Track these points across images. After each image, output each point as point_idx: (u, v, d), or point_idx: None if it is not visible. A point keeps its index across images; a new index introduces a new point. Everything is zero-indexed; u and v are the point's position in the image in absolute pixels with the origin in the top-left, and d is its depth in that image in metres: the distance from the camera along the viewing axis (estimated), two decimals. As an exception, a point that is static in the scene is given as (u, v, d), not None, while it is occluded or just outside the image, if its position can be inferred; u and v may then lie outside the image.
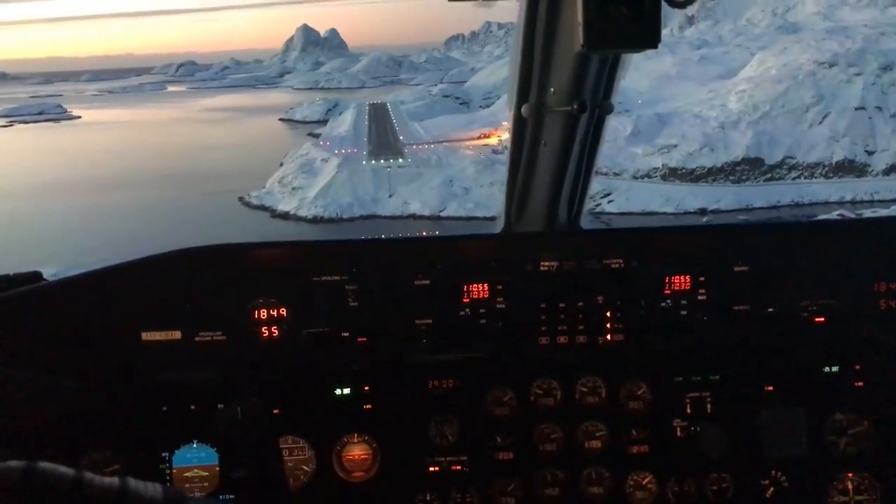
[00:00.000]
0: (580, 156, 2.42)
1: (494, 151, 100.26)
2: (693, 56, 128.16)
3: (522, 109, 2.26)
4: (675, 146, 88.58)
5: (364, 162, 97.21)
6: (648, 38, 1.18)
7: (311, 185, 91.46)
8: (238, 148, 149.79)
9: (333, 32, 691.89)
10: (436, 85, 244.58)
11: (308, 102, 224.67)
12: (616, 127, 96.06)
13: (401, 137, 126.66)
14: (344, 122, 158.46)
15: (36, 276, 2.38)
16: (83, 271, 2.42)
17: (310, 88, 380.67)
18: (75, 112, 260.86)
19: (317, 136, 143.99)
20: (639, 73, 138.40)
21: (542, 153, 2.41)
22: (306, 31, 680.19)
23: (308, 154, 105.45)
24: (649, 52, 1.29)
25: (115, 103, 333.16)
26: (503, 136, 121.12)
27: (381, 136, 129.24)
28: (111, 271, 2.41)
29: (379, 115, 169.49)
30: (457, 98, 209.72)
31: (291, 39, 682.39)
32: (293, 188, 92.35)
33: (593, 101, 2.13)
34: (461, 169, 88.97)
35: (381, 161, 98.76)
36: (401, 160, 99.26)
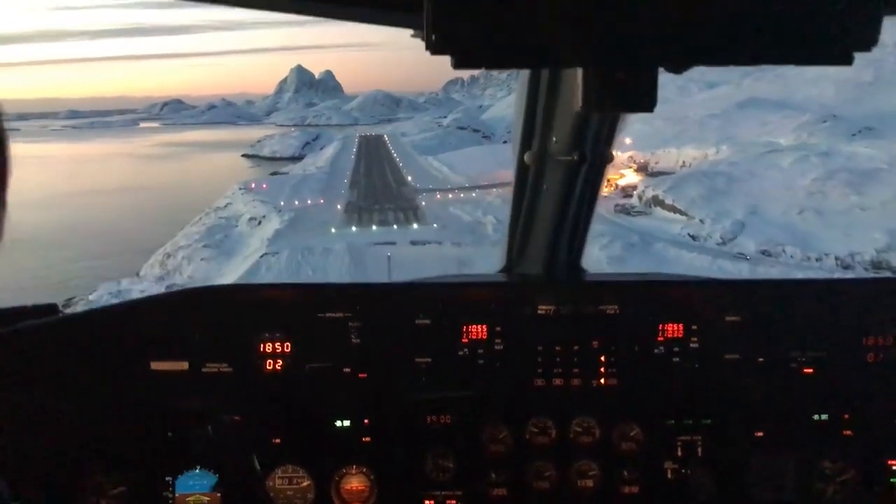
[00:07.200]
0: (580, 202, 2.57)
1: (626, 211, 50.01)
2: (887, 56, 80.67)
3: (525, 156, 2.44)
4: None
5: (334, 230, 45.76)
6: (645, 102, 1.24)
7: (218, 274, 41.45)
8: (159, 191, 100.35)
9: (329, 74, 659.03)
10: (445, 116, 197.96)
11: (281, 135, 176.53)
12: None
13: (409, 179, 75.69)
14: (321, 159, 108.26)
15: (52, 309, 2.52)
16: (97, 306, 2.59)
17: (295, 125, 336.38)
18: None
19: (284, 174, 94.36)
20: (782, 82, 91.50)
21: (544, 198, 2.59)
22: (300, 72, 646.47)
23: (229, 208, 54.24)
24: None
25: (70, 139, 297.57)
26: (627, 175, 71.01)
27: (377, 178, 78.39)
28: (124, 307, 2.62)
29: (372, 148, 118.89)
30: (476, 130, 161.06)
31: (285, 80, 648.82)
32: (171, 286, 41.54)
33: (594, 151, 2.29)
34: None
35: (374, 226, 47.56)
36: (415, 224, 47.87)
